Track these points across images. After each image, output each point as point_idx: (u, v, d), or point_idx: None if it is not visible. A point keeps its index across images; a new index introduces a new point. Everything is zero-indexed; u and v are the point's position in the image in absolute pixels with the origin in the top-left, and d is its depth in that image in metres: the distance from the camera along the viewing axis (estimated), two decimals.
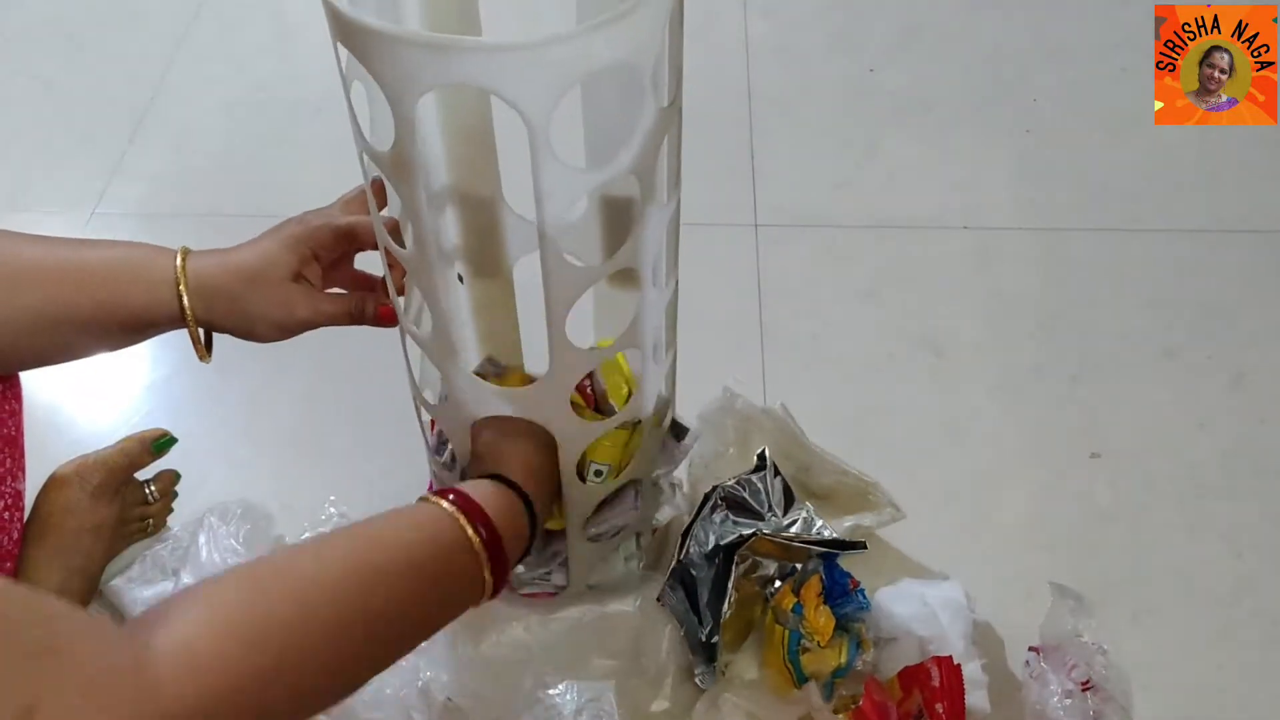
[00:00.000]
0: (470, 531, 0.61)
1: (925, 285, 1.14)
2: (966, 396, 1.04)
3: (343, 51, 0.55)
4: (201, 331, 0.69)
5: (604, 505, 0.81)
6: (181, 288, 0.66)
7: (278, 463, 0.95)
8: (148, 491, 0.94)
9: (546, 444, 0.70)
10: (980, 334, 1.10)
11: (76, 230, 1.23)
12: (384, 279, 0.72)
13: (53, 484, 0.89)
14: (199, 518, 0.93)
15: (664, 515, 0.86)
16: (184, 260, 0.67)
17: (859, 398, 0.98)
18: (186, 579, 0.89)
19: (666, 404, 0.83)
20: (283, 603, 0.51)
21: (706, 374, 0.96)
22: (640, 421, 0.78)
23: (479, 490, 0.64)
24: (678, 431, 0.87)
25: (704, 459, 0.93)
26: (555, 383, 0.66)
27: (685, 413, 0.89)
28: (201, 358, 0.71)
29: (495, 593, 0.63)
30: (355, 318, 0.71)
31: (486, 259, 0.84)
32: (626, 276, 0.70)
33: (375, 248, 0.70)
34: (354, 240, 0.71)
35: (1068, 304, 1.12)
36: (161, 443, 0.95)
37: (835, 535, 0.86)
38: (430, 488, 0.87)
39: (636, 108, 0.55)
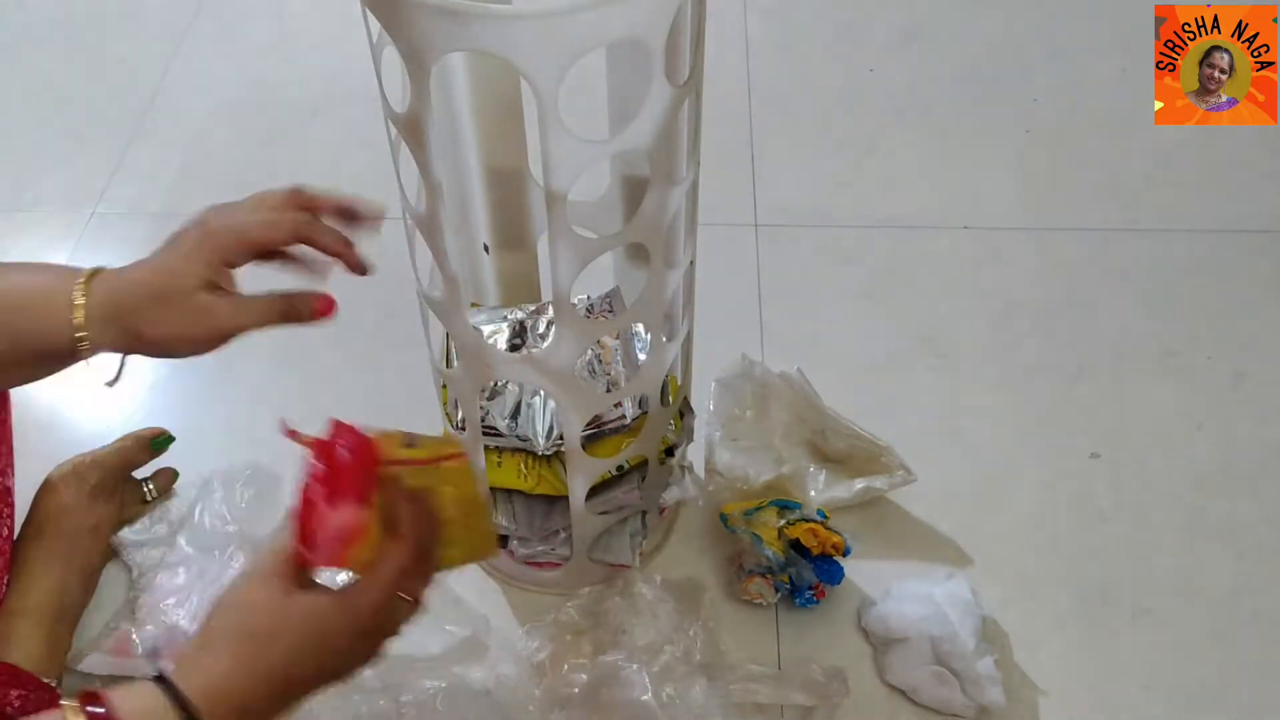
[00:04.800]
0: None
1: (925, 285, 1.14)
2: (966, 396, 1.04)
3: (373, 20, 0.57)
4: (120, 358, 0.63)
5: (609, 483, 0.81)
6: (80, 312, 0.59)
7: (279, 462, 0.95)
8: (146, 490, 0.95)
9: (269, 658, 0.52)
10: (980, 334, 1.10)
11: (76, 230, 1.23)
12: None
13: (50, 484, 0.89)
14: (205, 479, 0.93)
15: (671, 496, 0.86)
16: (88, 281, 0.60)
17: (859, 398, 0.98)
18: (182, 540, 0.90)
19: (678, 384, 0.84)
20: None
21: (706, 373, 0.96)
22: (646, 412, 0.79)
23: (133, 702, 0.50)
24: (685, 412, 0.87)
25: (721, 423, 0.95)
26: (561, 349, 0.67)
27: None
28: (107, 382, 0.63)
29: None
30: (289, 317, 0.61)
31: (512, 231, 0.86)
32: (644, 252, 0.71)
33: (288, 249, 0.62)
34: (266, 251, 0.61)
35: (1068, 304, 1.12)
36: (159, 441, 0.95)
37: None
38: None
39: (649, 83, 0.56)
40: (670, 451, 0.85)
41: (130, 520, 0.93)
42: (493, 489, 0.81)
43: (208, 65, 1.45)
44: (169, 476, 0.96)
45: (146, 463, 0.95)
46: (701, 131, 0.69)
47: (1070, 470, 0.98)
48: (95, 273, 0.61)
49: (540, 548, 0.85)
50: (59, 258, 1.20)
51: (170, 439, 0.96)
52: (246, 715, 0.52)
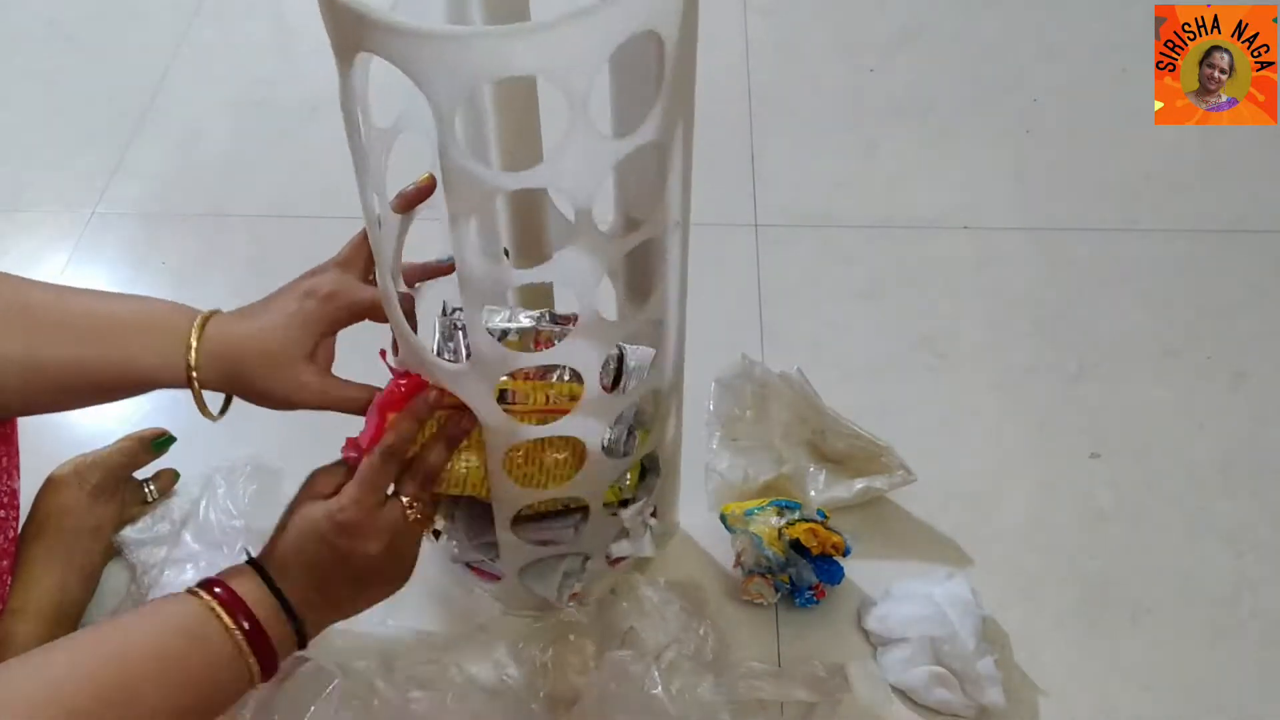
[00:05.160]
0: (230, 623, 0.61)
1: (925, 285, 1.14)
2: (966, 396, 1.04)
3: None
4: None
5: (548, 514, 0.79)
6: (193, 353, 0.67)
7: (279, 458, 0.95)
8: (147, 491, 0.95)
9: (337, 539, 0.66)
10: (980, 334, 1.10)
11: (76, 230, 1.23)
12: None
13: (51, 484, 0.89)
14: (207, 475, 0.93)
15: (619, 550, 0.83)
16: (203, 323, 0.68)
17: (859, 398, 0.98)
18: (188, 536, 0.90)
19: (629, 433, 0.79)
20: None
21: (706, 374, 0.96)
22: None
23: (240, 581, 0.64)
24: (649, 468, 0.84)
25: (721, 423, 0.95)
26: (474, 373, 0.65)
27: (684, 412, 0.89)
28: (207, 416, 0.71)
29: (267, 677, 0.63)
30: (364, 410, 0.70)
31: (529, 239, 0.84)
32: (637, 291, 0.68)
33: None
34: (374, 314, 0.70)
35: (1068, 304, 1.12)
36: (160, 442, 0.95)
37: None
38: None
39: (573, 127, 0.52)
40: (625, 504, 0.81)
41: (131, 520, 0.93)
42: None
43: (208, 65, 1.45)
44: (170, 477, 0.96)
45: (148, 463, 0.95)
46: (691, 186, 0.63)
47: (1070, 470, 0.98)
48: (211, 315, 0.69)
49: (476, 555, 0.84)
50: (59, 258, 1.20)
51: (171, 440, 0.96)
52: (313, 607, 0.65)
